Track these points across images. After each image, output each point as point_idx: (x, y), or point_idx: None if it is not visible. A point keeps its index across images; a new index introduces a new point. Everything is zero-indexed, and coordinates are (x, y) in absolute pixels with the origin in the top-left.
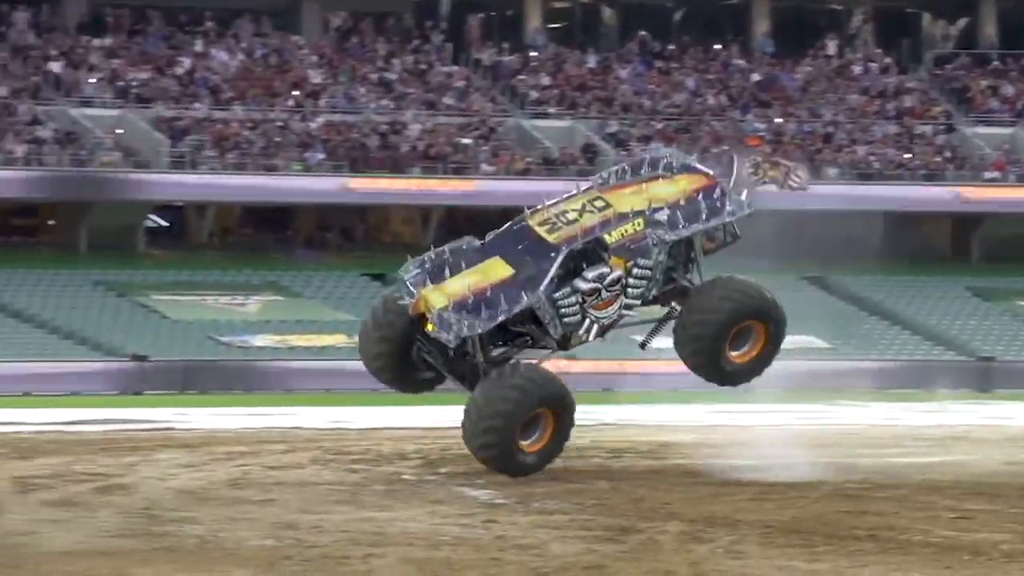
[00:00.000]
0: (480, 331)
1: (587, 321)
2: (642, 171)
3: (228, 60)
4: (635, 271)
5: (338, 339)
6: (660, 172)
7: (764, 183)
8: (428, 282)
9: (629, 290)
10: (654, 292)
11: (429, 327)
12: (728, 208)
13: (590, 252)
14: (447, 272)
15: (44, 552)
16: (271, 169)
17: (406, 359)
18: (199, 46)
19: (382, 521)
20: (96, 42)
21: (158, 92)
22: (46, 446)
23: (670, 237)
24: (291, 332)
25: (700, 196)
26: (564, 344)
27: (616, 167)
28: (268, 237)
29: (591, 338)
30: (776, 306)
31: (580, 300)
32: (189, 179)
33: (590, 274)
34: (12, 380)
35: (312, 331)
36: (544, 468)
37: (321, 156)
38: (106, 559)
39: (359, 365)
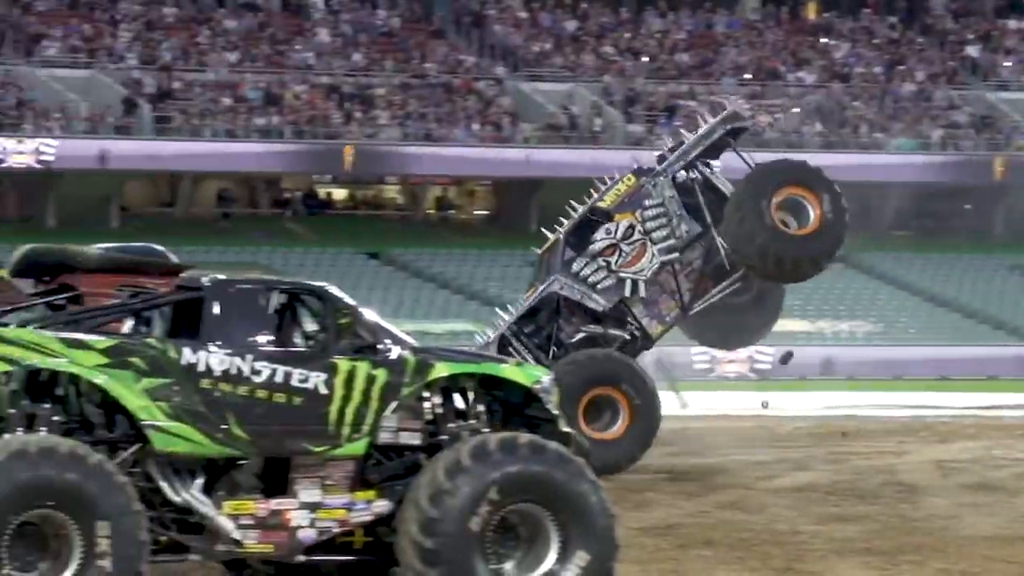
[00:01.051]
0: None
1: (627, 281)
2: None
3: None
4: (646, 214)
5: None
6: None
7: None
8: None
9: (653, 235)
10: (684, 228)
11: None
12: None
13: (591, 224)
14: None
15: (965, 536)
16: None
17: None
18: None
19: None
20: (1012, 24)
21: None
22: (965, 430)
23: (662, 165)
24: None
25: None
26: (646, 337)
27: None
28: None
29: (640, 292)
30: None
31: (604, 263)
32: None
33: (598, 235)
34: (930, 364)
35: None
36: None
37: None
38: None
39: None
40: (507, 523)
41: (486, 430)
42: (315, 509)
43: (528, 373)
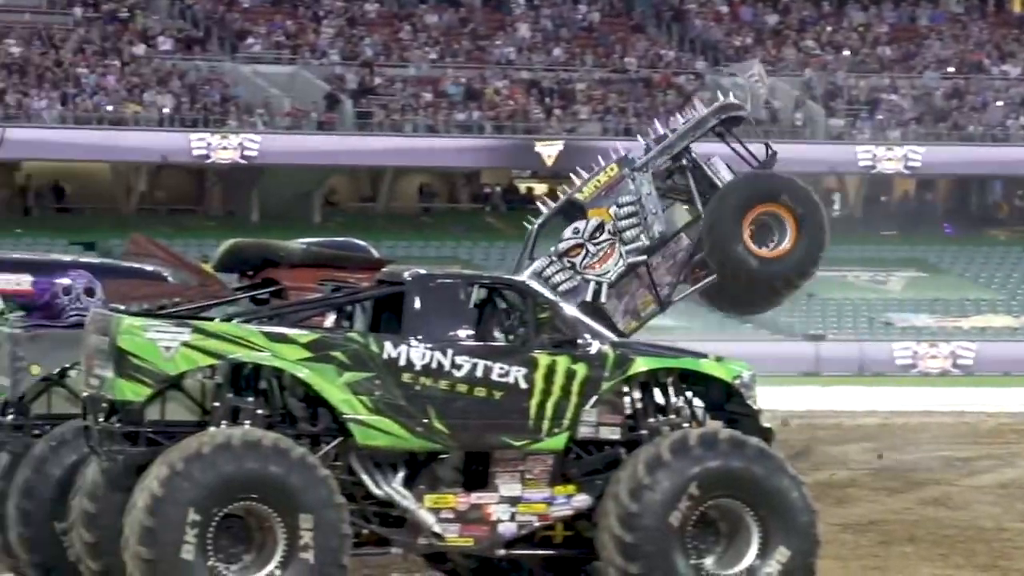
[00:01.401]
0: None
1: (590, 284)
2: None
3: None
4: (619, 212)
5: None
6: None
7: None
8: None
9: (624, 235)
10: (658, 229)
11: None
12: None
13: (569, 216)
14: None
15: None
16: None
17: None
18: None
19: None
20: None
21: None
22: None
23: (643, 158)
24: None
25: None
26: (618, 334)
27: None
28: None
29: (602, 298)
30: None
31: (569, 264)
32: None
33: (566, 233)
34: None
35: None
36: None
37: None
38: None
39: None
40: (707, 518)
41: (686, 425)
42: (515, 503)
43: (728, 368)
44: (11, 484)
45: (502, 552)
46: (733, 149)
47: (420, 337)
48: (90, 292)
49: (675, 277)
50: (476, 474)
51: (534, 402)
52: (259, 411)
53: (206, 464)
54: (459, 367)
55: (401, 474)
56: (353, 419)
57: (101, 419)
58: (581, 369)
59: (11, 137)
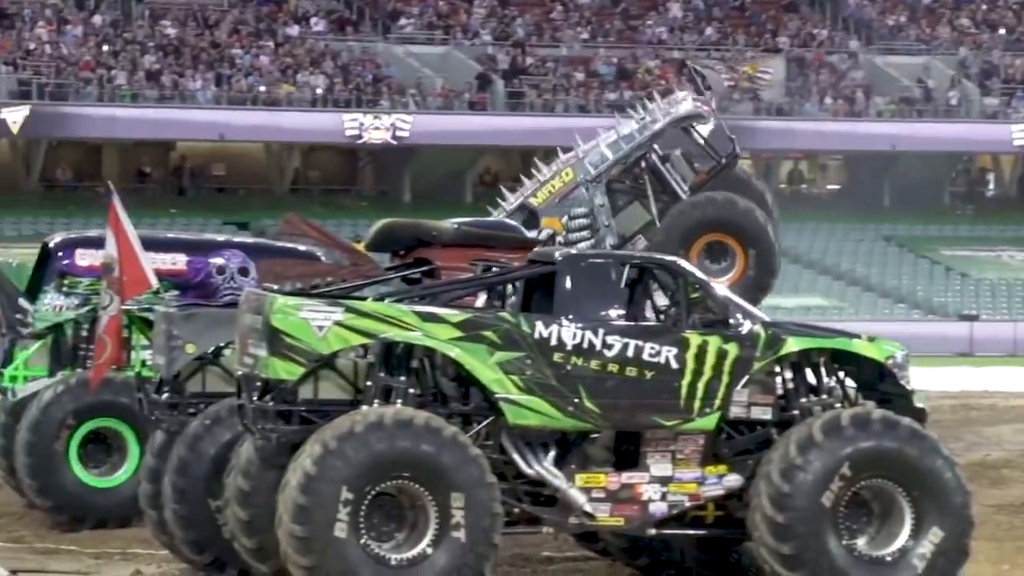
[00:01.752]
0: None
1: None
2: None
3: None
4: (571, 224)
5: None
6: None
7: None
8: None
9: (576, 246)
10: (610, 241)
11: None
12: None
13: (526, 224)
14: None
15: None
16: None
17: None
18: None
19: None
20: None
21: None
22: None
23: (598, 169)
24: None
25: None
26: None
27: None
28: None
29: None
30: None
31: None
32: None
33: None
34: None
35: None
36: None
37: None
38: None
39: None
40: (859, 499)
41: (838, 405)
42: (666, 483)
43: (881, 348)
44: (166, 462)
45: (653, 531)
46: (698, 144)
47: (571, 317)
48: (244, 272)
49: None
50: (627, 454)
51: (685, 382)
52: (411, 390)
53: (359, 443)
54: (610, 347)
55: (552, 453)
56: (504, 398)
57: (255, 398)
58: (732, 349)
59: (166, 117)
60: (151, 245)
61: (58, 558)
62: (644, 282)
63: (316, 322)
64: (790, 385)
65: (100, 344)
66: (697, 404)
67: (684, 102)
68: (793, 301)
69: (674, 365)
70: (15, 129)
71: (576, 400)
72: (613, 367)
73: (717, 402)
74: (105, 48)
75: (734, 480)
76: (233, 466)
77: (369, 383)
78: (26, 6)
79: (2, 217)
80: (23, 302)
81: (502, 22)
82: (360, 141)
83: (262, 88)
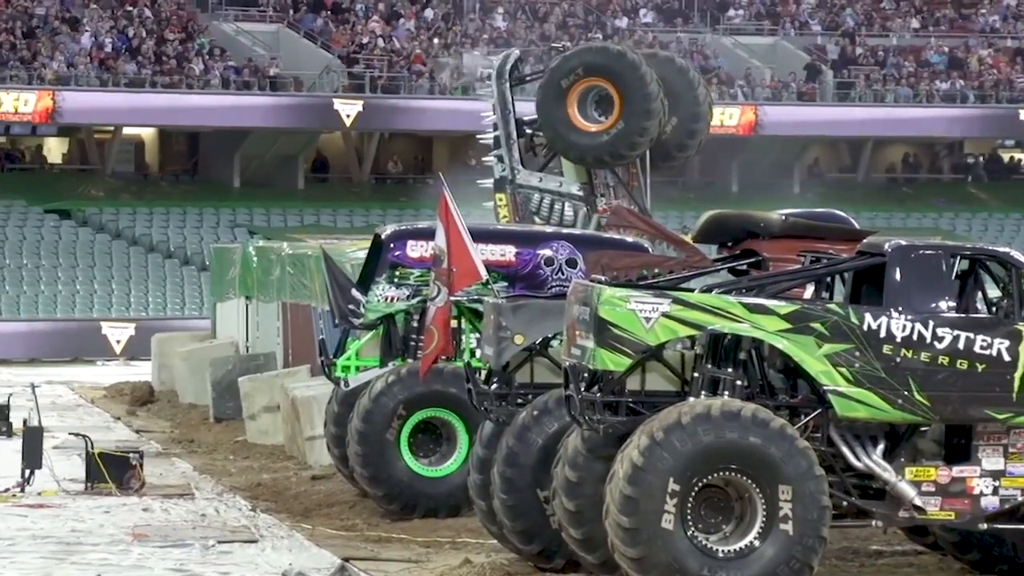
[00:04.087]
0: None
1: None
2: None
3: None
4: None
5: None
6: None
7: None
8: None
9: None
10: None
11: None
12: None
13: None
14: None
15: None
16: None
17: None
18: None
19: None
20: None
21: None
22: None
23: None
24: None
25: None
26: None
27: None
28: None
29: None
30: None
31: None
32: None
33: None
34: None
35: None
36: None
37: None
38: None
39: None
40: None
41: None
42: (998, 477)
43: None
44: (495, 452)
45: (984, 526)
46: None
47: (901, 309)
48: (571, 263)
49: None
50: (957, 447)
51: (1018, 375)
52: (738, 382)
53: (686, 434)
54: (941, 339)
55: (881, 446)
56: (833, 390)
57: (583, 388)
58: None
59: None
60: (481, 237)
61: (389, 547)
62: (975, 273)
63: (643, 313)
64: None
65: (428, 335)
66: None
67: None
68: None
69: (1006, 358)
70: (348, 122)
71: (906, 393)
72: (944, 359)
73: None
74: (436, 41)
75: None
76: (560, 456)
77: (696, 374)
78: (359, 1)
79: (336, 209)
80: (355, 293)
81: (831, 12)
82: None
83: None
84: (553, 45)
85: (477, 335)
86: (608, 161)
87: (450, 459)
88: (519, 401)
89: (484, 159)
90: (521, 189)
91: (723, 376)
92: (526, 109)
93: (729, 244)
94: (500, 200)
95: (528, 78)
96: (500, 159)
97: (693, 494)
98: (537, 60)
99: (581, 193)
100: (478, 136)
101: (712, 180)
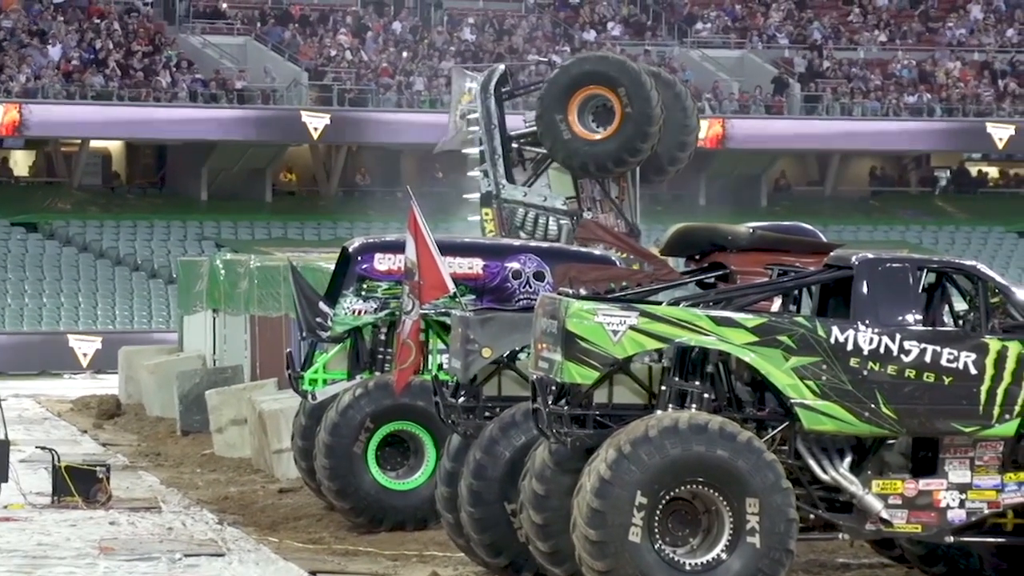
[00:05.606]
0: None
1: None
2: None
3: None
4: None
5: None
6: None
7: None
8: None
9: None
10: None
11: None
12: None
13: None
14: None
15: None
16: None
17: None
18: None
19: None
20: None
21: None
22: None
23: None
24: None
25: None
26: None
27: None
28: None
29: None
30: None
31: None
32: None
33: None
34: None
35: None
36: None
37: None
38: None
39: None
40: None
41: None
42: (964, 490)
43: None
44: (462, 465)
45: (950, 539)
46: None
47: (868, 322)
48: (539, 276)
49: None
50: (924, 460)
51: (984, 388)
52: (705, 395)
53: (653, 447)
54: (907, 352)
55: (848, 459)
56: (800, 403)
57: (550, 401)
58: None
59: None
60: (449, 250)
61: (356, 560)
62: (942, 286)
63: (611, 326)
64: None
65: (405, 349)
66: (996, 410)
67: None
68: None
69: (973, 371)
70: (316, 135)
71: (872, 406)
72: (910, 372)
73: (1017, 408)
74: (404, 54)
75: None
76: (528, 469)
77: (663, 387)
78: (328, 14)
79: (303, 221)
80: (323, 306)
81: (798, 25)
82: None
83: None
84: (540, 59)
85: (444, 348)
86: (611, 168)
87: (417, 472)
88: (486, 414)
89: (470, 173)
90: (507, 204)
91: (690, 389)
92: (513, 123)
93: (697, 257)
94: (487, 215)
95: (520, 91)
96: (485, 174)
97: (660, 507)
98: (518, 73)
99: (565, 207)
100: (435, 150)
101: (680, 193)
